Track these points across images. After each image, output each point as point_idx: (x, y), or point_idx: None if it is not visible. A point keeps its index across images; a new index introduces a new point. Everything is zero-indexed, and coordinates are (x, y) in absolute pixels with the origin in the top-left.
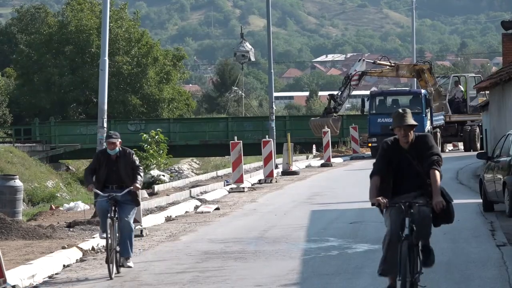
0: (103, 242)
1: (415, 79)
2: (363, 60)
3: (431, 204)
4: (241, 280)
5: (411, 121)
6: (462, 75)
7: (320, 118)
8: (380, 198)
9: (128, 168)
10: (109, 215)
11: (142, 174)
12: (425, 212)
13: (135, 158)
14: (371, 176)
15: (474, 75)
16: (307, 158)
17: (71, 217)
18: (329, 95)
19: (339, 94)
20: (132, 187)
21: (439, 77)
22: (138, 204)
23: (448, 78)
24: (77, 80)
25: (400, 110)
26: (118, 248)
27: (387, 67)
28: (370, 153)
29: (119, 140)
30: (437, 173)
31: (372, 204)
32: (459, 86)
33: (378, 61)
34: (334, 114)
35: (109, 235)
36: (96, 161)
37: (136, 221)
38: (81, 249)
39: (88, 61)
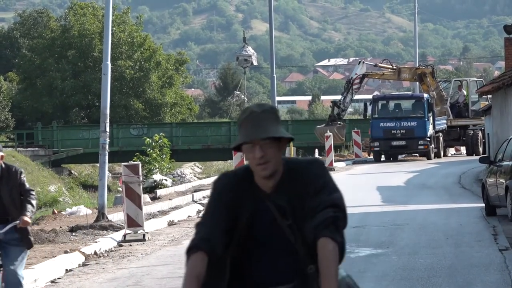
0: (105, 247)
1: (417, 83)
2: (363, 62)
3: None
4: None
5: (273, 130)
6: (464, 79)
7: (325, 126)
8: None
9: (15, 193)
10: None
11: (34, 202)
12: None
13: (24, 178)
14: (189, 252)
15: (476, 79)
16: None
17: (74, 222)
18: (332, 102)
19: (342, 99)
20: (18, 221)
21: (441, 81)
22: (30, 245)
23: (450, 83)
24: (79, 84)
25: (254, 108)
26: None
27: (389, 69)
28: (372, 157)
29: (2, 153)
30: (331, 247)
31: None
32: (462, 90)
33: (380, 64)
34: (339, 122)
35: None
36: None
37: (138, 225)
38: (83, 253)
39: (90, 66)
